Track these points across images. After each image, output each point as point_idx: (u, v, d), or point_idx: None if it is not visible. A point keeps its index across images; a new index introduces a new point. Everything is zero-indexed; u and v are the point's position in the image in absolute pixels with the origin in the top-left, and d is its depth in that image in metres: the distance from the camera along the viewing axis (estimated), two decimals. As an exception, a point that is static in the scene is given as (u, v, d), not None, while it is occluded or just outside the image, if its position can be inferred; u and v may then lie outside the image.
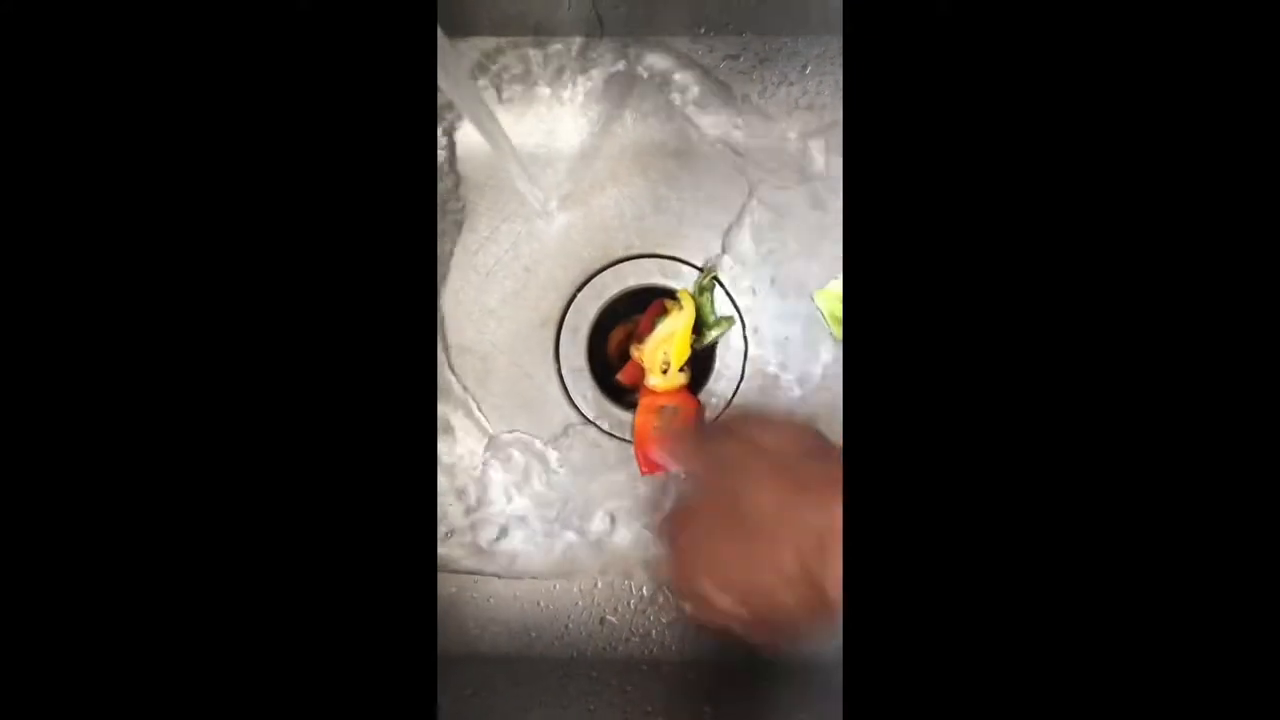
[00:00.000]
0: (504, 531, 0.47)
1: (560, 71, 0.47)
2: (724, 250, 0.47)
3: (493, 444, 0.47)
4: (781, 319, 0.47)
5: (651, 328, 0.45)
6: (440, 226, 0.47)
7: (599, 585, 0.46)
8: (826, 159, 0.46)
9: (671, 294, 0.46)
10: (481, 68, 0.47)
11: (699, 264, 0.47)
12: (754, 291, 0.47)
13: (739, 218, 0.47)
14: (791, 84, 0.46)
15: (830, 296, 0.46)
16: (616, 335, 0.49)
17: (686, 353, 0.45)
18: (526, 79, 0.47)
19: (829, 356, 0.46)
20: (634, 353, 0.45)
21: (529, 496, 0.47)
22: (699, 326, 0.45)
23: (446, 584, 0.46)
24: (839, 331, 0.45)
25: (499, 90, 0.47)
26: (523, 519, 0.47)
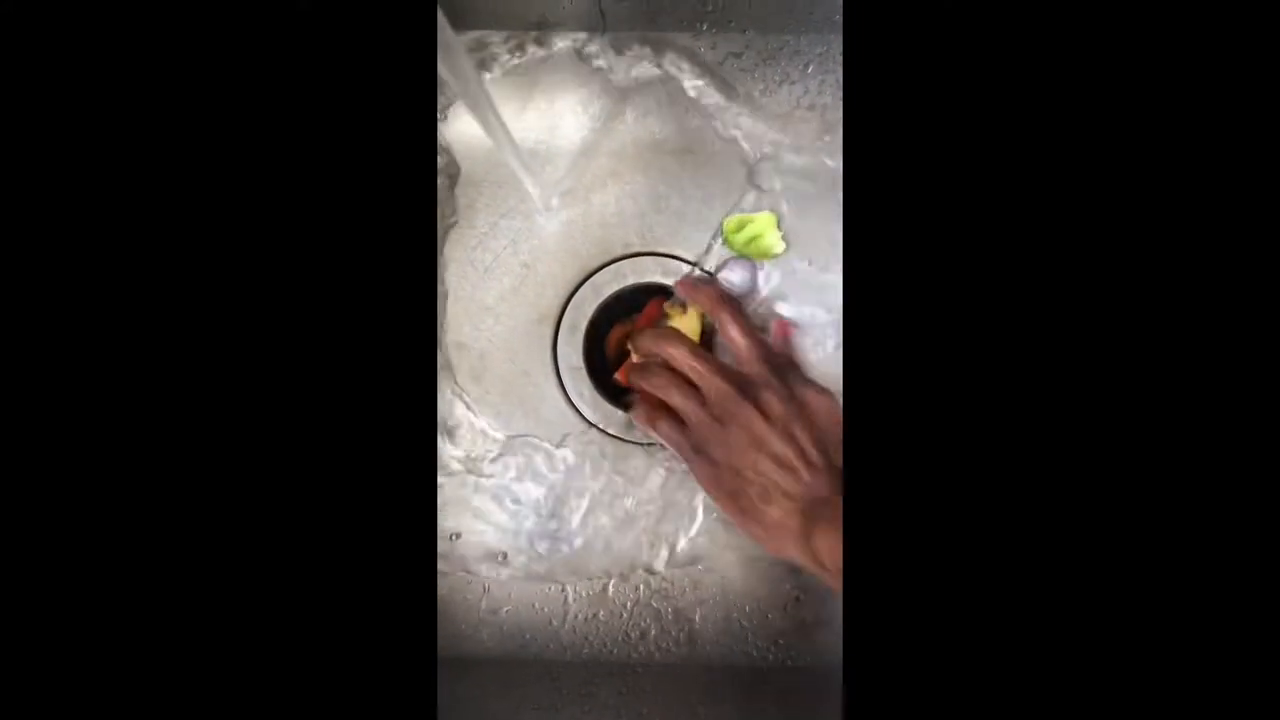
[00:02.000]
0: (498, 532, 0.46)
1: (562, 67, 0.46)
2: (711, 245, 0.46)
3: (488, 443, 0.46)
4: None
5: (650, 326, 0.45)
6: (438, 222, 0.47)
7: (593, 587, 0.46)
8: (829, 159, 0.46)
9: (669, 292, 0.46)
10: (484, 62, 0.46)
11: (690, 259, 0.46)
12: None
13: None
14: (793, 83, 0.46)
15: (733, 227, 0.46)
16: (615, 334, 0.48)
17: None
18: (528, 74, 0.46)
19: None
20: (634, 356, 0.45)
21: (523, 497, 0.46)
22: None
23: (440, 585, 0.46)
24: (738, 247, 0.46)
25: (501, 85, 0.46)
26: (517, 519, 0.46)
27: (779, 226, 0.46)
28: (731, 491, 0.39)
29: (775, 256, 0.46)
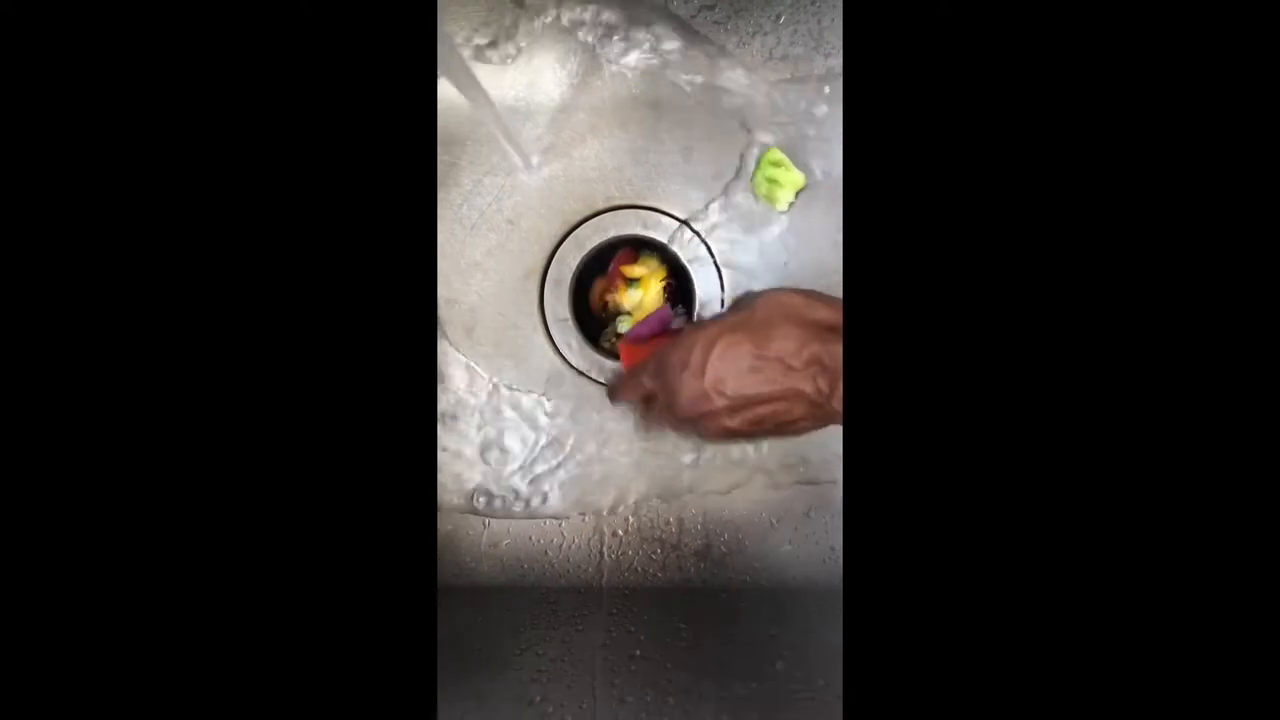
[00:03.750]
0: (496, 475, 0.50)
1: (538, 24, 0.47)
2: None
3: (484, 392, 0.49)
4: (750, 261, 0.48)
5: (619, 275, 0.48)
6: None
7: (585, 520, 0.49)
8: (804, 109, 0.47)
9: (641, 245, 0.48)
10: (460, 22, 0.47)
11: (677, 214, 0.48)
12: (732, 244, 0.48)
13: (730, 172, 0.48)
14: (766, 34, 0.47)
15: (773, 158, 0.47)
16: (599, 286, 0.51)
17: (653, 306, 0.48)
18: (504, 32, 0.47)
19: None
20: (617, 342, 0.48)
21: (518, 442, 0.49)
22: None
23: (444, 522, 0.50)
24: (763, 192, 0.48)
25: (477, 45, 0.47)
26: (513, 462, 0.49)
27: (796, 196, 0.48)
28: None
29: (774, 209, 0.48)
